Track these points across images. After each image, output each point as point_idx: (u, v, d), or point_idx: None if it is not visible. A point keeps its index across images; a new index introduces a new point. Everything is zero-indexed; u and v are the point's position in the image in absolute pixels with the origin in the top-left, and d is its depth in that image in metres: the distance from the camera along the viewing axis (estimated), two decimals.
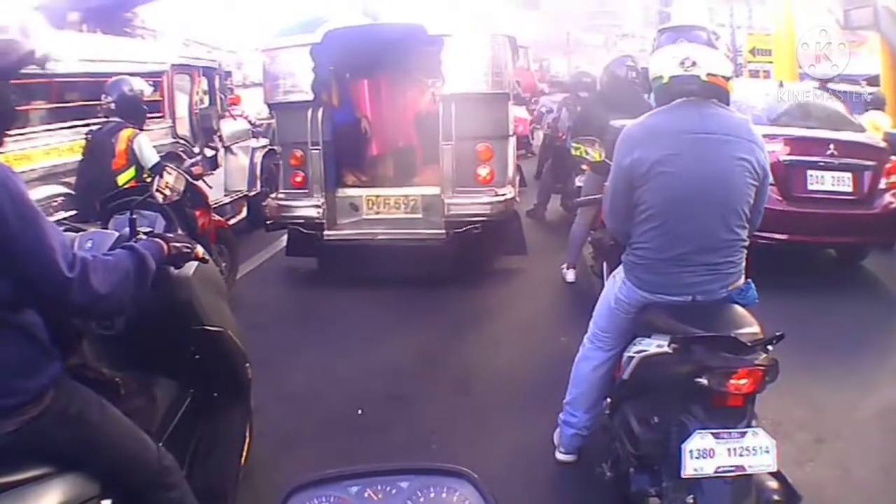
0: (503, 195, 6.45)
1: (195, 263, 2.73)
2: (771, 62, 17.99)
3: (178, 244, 2.53)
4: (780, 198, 6.53)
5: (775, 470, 2.67)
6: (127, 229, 2.78)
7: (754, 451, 2.61)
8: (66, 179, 5.52)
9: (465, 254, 6.75)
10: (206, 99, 8.67)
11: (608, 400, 3.53)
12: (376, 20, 6.35)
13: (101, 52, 6.60)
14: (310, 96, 6.57)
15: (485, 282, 6.93)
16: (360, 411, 4.34)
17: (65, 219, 5.11)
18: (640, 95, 6.44)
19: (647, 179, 3.02)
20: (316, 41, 6.40)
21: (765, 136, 4.33)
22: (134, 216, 2.86)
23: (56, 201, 5.50)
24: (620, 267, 3.34)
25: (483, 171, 6.40)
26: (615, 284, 3.35)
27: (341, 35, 6.40)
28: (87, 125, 5.73)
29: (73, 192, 5.50)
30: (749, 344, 2.67)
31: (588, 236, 6.24)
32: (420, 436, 4.16)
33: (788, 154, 6.65)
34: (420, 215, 6.59)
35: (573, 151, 4.37)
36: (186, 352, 2.89)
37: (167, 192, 3.73)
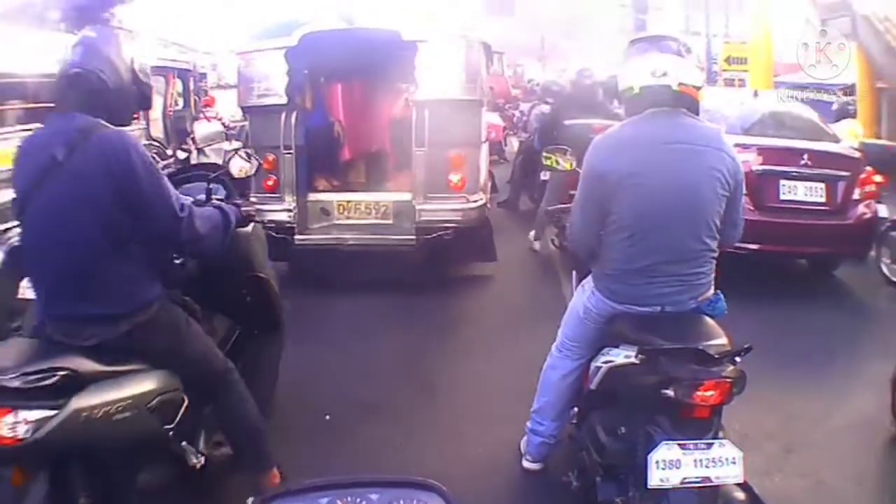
0: (475, 202, 6.47)
1: (252, 224, 3.54)
2: (746, 71, 18.17)
3: (245, 209, 3.28)
4: (752, 208, 6.49)
5: (742, 481, 2.68)
6: (203, 195, 3.35)
7: (721, 462, 2.61)
8: None
9: (435, 260, 6.75)
10: (181, 101, 8.58)
11: (575, 409, 3.55)
12: (352, 25, 6.33)
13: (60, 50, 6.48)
14: (284, 100, 6.51)
15: (455, 288, 6.94)
16: (326, 416, 4.31)
17: None
18: (596, 99, 8.36)
19: (618, 190, 3.00)
20: (292, 44, 6.35)
21: (737, 145, 4.58)
22: (211, 186, 3.43)
23: None
24: (589, 277, 3.35)
25: (455, 178, 6.39)
26: (584, 294, 3.35)
27: (317, 39, 6.35)
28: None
29: None
30: (716, 356, 2.67)
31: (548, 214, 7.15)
32: (386, 442, 4.15)
33: (761, 164, 6.69)
34: (391, 221, 6.56)
35: (545, 161, 4.40)
36: (239, 294, 3.62)
37: (241, 169, 3.91)
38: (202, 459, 3.05)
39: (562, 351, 3.51)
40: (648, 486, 2.63)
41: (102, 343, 2.67)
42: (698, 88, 3.11)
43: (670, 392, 2.66)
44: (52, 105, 5.66)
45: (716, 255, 3.10)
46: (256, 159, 3.85)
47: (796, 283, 7.33)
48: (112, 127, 2.69)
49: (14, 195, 2.74)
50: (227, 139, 9.61)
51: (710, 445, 2.63)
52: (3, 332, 4.92)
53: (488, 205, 6.84)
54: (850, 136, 8.41)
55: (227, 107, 10.90)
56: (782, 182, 6.73)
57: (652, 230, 2.99)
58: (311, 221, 6.65)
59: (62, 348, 2.62)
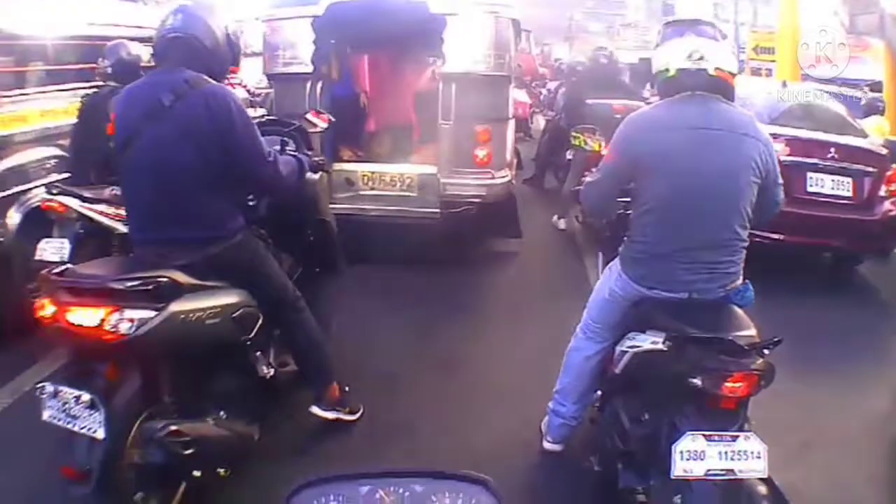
0: (500, 178, 6.36)
1: (320, 173, 4.02)
2: (773, 61, 17.81)
3: (315, 159, 3.88)
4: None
5: (766, 476, 2.62)
6: (278, 147, 3.68)
7: (746, 456, 2.57)
8: (61, 142, 5.38)
9: (459, 234, 6.68)
10: None
11: (599, 392, 3.53)
12: None
13: (101, 15, 6.43)
14: (309, 68, 6.44)
15: (478, 264, 6.86)
16: (346, 388, 4.20)
17: (58, 181, 5.02)
18: (613, 77, 8.97)
19: (649, 172, 2.99)
20: (318, 13, 6.23)
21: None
22: (286, 139, 3.89)
23: (49, 163, 5.35)
24: (617, 259, 3.30)
25: (481, 153, 6.28)
26: (611, 276, 3.31)
27: (344, 8, 6.22)
28: (84, 88, 5.58)
29: (66, 155, 5.38)
30: (746, 347, 2.63)
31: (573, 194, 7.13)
32: (404, 418, 4.10)
33: (789, 154, 6.56)
34: (415, 193, 6.44)
35: (573, 141, 4.41)
36: (304, 235, 4.04)
37: (315, 124, 4.26)
38: (272, 371, 3.52)
39: (586, 333, 3.48)
40: (672, 477, 2.59)
41: (191, 263, 3.02)
42: (734, 75, 3.07)
43: (698, 381, 2.62)
44: (85, 67, 5.70)
45: (746, 243, 3.05)
46: (329, 117, 4.18)
47: (819, 277, 7.17)
48: (213, 81, 3.11)
49: (118, 131, 3.13)
50: (251, 106, 9.51)
51: (735, 438, 2.58)
52: (21, 293, 4.95)
53: (513, 181, 6.71)
54: (876, 133, 8.23)
55: (252, 74, 10.82)
56: (809, 174, 6.65)
57: (682, 215, 2.96)
58: (335, 191, 6.53)
59: (159, 263, 2.96)
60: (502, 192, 6.42)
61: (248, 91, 9.68)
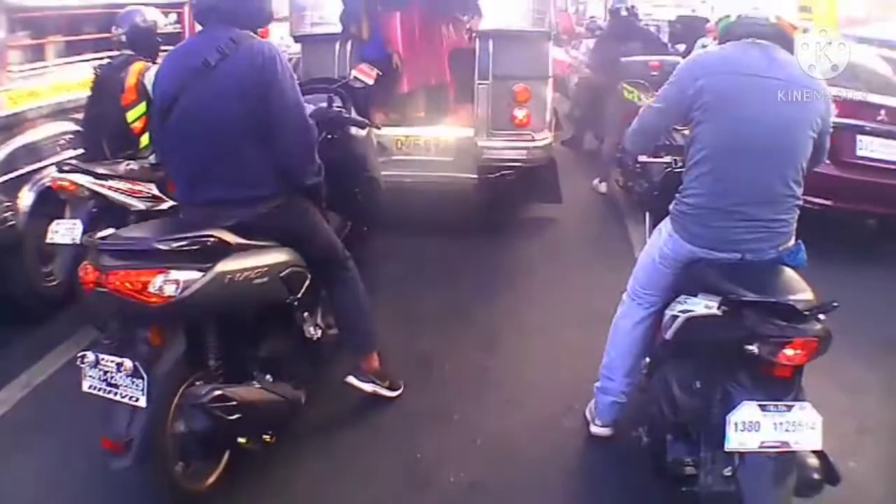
0: (541, 140, 6.11)
1: (368, 129, 4.04)
2: (811, 20, 17.23)
3: (360, 119, 3.97)
4: (827, 161, 6.13)
5: (820, 448, 2.56)
6: (324, 104, 3.80)
7: (801, 427, 2.50)
8: (76, 116, 5.22)
9: (496, 200, 6.50)
10: None
11: (647, 359, 3.40)
12: None
13: None
14: (338, 29, 6.23)
15: (516, 230, 6.68)
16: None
17: (73, 158, 4.88)
18: (638, 27, 8.85)
19: (707, 113, 2.88)
20: None
21: None
22: (332, 96, 3.87)
23: (64, 139, 5.19)
24: (667, 219, 3.18)
25: (520, 114, 6.02)
26: (660, 238, 3.19)
27: None
28: (98, 59, 5.39)
29: (81, 130, 5.21)
30: (804, 312, 2.51)
31: (613, 156, 7.09)
32: (441, 402, 3.97)
33: (838, 116, 6.16)
34: (451, 158, 6.23)
35: (626, 95, 4.22)
36: (352, 192, 3.96)
37: (361, 80, 4.22)
38: (319, 332, 3.54)
39: (633, 299, 3.36)
40: (726, 449, 2.52)
41: (239, 223, 3.01)
42: (795, 28, 2.97)
43: (754, 348, 2.52)
44: (99, 36, 5.51)
45: (800, 202, 2.95)
46: (378, 72, 4.13)
47: (865, 245, 6.82)
48: (257, 37, 3.10)
49: (160, 98, 3.10)
50: None
51: (790, 408, 2.51)
52: (36, 276, 4.84)
53: (554, 143, 6.47)
54: None
55: (279, 39, 10.64)
56: (859, 137, 6.30)
57: (736, 166, 2.86)
58: None
59: (207, 223, 2.91)
60: (543, 155, 6.18)
61: None
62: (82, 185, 4.45)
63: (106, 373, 2.68)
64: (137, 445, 2.67)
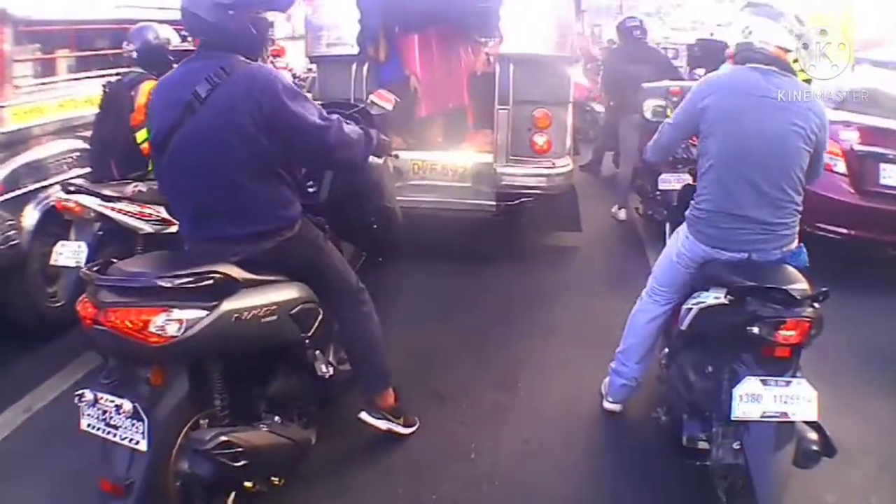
0: (561, 167, 5.94)
1: (385, 157, 3.78)
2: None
3: (383, 138, 3.49)
4: (851, 190, 6.08)
5: (816, 419, 2.87)
6: None
7: (798, 400, 2.83)
8: (84, 133, 5.11)
9: (514, 228, 6.35)
10: None
11: (666, 350, 3.75)
12: None
13: None
14: (355, 50, 6.12)
15: (535, 260, 6.49)
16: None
17: (80, 176, 4.79)
18: (648, 47, 8.58)
19: (713, 128, 3.32)
20: None
21: (839, 122, 5.34)
22: (348, 122, 3.39)
23: (71, 157, 5.10)
24: (683, 224, 3.55)
25: (540, 140, 5.87)
26: (678, 239, 3.57)
27: None
28: (108, 76, 5.28)
29: (89, 148, 5.09)
30: (798, 297, 2.88)
31: (631, 182, 7.64)
32: (459, 443, 3.80)
33: (861, 143, 6.12)
34: (469, 184, 6.08)
35: (651, 113, 4.68)
36: (367, 222, 3.78)
37: (379, 105, 3.99)
38: (331, 370, 3.35)
39: (651, 296, 3.75)
40: (731, 418, 2.87)
41: (247, 258, 2.86)
42: (786, 50, 3.33)
43: (755, 329, 2.89)
44: (109, 52, 5.41)
45: (800, 208, 3.32)
46: (393, 100, 3.95)
47: (886, 276, 6.49)
48: (251, 62, 2.91)
49: (154, 133, 2.94)
50: None
51: (788, 383, 2.86)
52: (40, 296, 4.70)
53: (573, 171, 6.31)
54: None
55: (298, 58, 10.60)
56: (883, 166, 6.12)
57: (739, 174, 3.26)
58: None
59: (212, 258, 2.77)
60: (563, 182, 6.01)
61: (294, 75, 9.40)
62: (88, 207, 4.35)
63: (105, 412, 2.55)
64: (138, 489, 2.52)
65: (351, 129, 3.13)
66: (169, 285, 2.56)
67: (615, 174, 9.03)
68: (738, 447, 2.92)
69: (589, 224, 6.82)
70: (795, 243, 3.37)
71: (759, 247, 3.29)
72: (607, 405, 4.03)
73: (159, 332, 2.51)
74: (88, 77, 5.59)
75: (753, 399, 2.83)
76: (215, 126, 2.80)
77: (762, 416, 2.83)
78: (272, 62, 9.55)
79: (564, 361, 4.69)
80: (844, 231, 6.00)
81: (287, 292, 3.02)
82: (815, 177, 3.42)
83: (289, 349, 3.14)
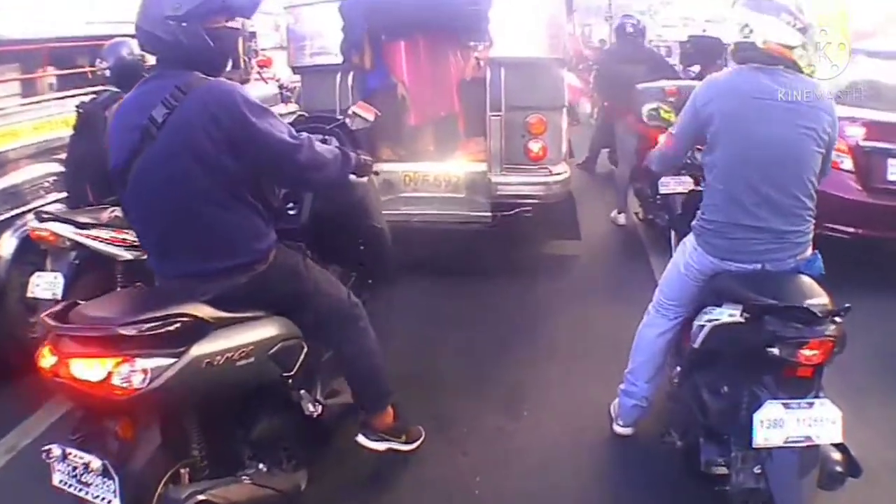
0: (558, 174, 5.71)
1: (368, 176, 3.51)
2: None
3: (364, 157, 3.22)
4: (858, 187, 5.87)
5: (840, 441, 2.75)
6: None
7: (822, 422, 2.70)
8: (61, 156, 4.92)
9: (511, 238, 6.11)
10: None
11: (678, 369, 3.56)
12: None
13: (101, 12, 5.91)
14: (339, 59, 5.86)
15: (534, 271, 6.24)
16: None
17: (58, 201, 4.65)
18: (644, 48, 8.35)
19: (719, 135, 3.10)
20: None
21: (844, 117, 4.82)
22: (326, 137, 3.31)
23: (48, 181, 4.92)
24: (690, 234, 3.37)
25: (535, 147, 5.63)
26: (685, 251, 3.39)
27: None
28: (83, 95, 5.07)
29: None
30: (819, 315, 2.72)
31: (629, 186, 7.38)
32: (460, 471, 3.60)
33: (867, 139, 5.90)
34: (463, 195, 5.84)
35: (663, 115, 4.41)
36: (354, 243, 3.61)
37: (361, 117, 3.79)
38: (319, 408, 3.13)
39: (659, 310, 3.56)
40: (753, 446, 2.73)
41: (220, 295, 2.66)
42: (790, 48, 3.09)
43: (776, 351, 2.74)
44: (84, 70, 5.19)
45: (814, 213, 3.14)
46: (375, 112, 3.73)
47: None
48: (211, 78, 2.63)
49: (112, 160, 2.69)
50: (282, 101, 9.05)
51: (811, 405, 2.72)
52: (21, 327, 4.47)
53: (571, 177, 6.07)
54: None
55: (286, 68, 10.36)
56: (890, 161, 5.90)
57: (748, 183, 3.06)
58: None
59: (182, 296, 2.57)
60: (561, 190, 5.78)
61: (281, 86, 9.18)
62: (62, 236, 4.18)
63: (75, 468, 2.35)
64: None
65: (324, 147, 2.93)
66: (132, 333, 2.34)
67: (611, 171, 8.85)
68: (759, 471, 2.80)
69: (588, 229, 6.61)
70: (810, 251, 3.19)
71: (772, 256, 3.11)
72: (618, 429, 3.83)
73: (123, 385, 2.31)
74: (65, 97, 5.39)
75: (776, 425, 2.69)
76: (174, 152, 2.57)
77: (785, 443, 2.70)
78: (259, 73, 9.31)
79: (569, 379, 4.47)
80: (852, 230, 5.79)
81: (265, 330, 2.78)
82: (824, 177, 3.23)
83: (271, 390, 2.93)
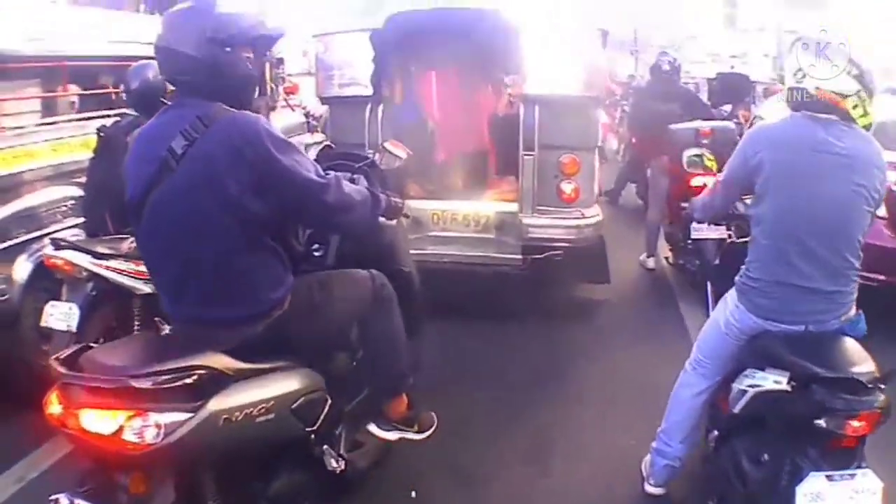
0: (591, 218, 5.55)
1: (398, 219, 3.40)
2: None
3: (394, 199, 3.08)
4: (891, 234, 5.62)
5: None
6: None
7: (863, 493, 2.64)
8: (81, 179, 4.81)
9: (538, 280, 5.91)
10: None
11: (715, 433, 3.40)
12: (448, 4, 5.48)
13: (126, 32, 5.82)
14: (368, 91, 5.74)
15: (563, 315, 6.02)
16: (412, 493, 3.56)
17: (76, 226, 4.54)
18: (679, 85, 8.12)
19: (768, 187, 2.96)
20: (377, 26, 5.54)
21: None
22: (354, 176, 3.22)
23: (66, 205, 4.81)
24: (732, 290, 3.22)
25: (568, 188, 5.49)
26: (726, 308, 3.24)
27: (408, 20, 5.56)
28: (108, 117, 4.97)
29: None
30: (868, 385, 2.66)
31: (660, 228, 7.29)
32: None
33: None
34: (493, 235, 5.69)
35: (706, 163, 4.66)
36: None
37: (393, 154, 3.59)
38: (342, 464, 2.98)
39: (696, 368, 3.40)
40: None
41: (240, 343, 2.50)
42: (845, 96, 2.89)
43: (823, 423, 2.66)
44: (107, 91, 5.09)
45: (858, 273, 3.01)
46: (406, 151, 3.56)
47: None
48: (232, 110, 2.48)
49: (129, 191, 2.54)
50: (309, 130, 9.00)
51: (853, 476, 2.66)
52: (34, 354, 4.34)
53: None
54: None
55: (313, 96, 10.32)
56: None
57: (797, 241, 2.93)
58: None
59: (199, 345, 2.42)
60: (593, 234, 5.61)
61: (308, 114, 9.09)
62: (78, 265, 4.04)
63: None
64: None
65: (353, 188, 2.78)
66: (146, 386, 2.21)
67: (637, 206, 8.89)
68: None
69: (616, 272, 6.34)
70: (854, 310, 3.06)
71: (817, 318, 2.98)
72: (649, 489, 3.64)
73: (136, 439, 2.18)
74: (86, 118, 5.29)
75: (818, 497, 2.63)
76: (193, 189, 2.42)
77: None
78: (286, 100, 9.26)
79: (599, 431, 4.27)
80: (882, 278, 5.48)
81: (287, 383, 2.63)
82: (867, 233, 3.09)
83: (292, 445, 2.77)
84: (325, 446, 2.94)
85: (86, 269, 4.04)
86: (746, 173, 3.05)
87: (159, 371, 2.25)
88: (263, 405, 2.46)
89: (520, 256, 5.56)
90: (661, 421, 3.53)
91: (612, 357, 5.30)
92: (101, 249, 4.12)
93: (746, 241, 3.24)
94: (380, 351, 3.16)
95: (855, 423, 2.63)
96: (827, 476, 2.63)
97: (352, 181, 3.10)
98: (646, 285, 7.03)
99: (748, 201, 3.29)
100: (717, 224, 4.64)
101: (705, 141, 6.32)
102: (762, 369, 2.97)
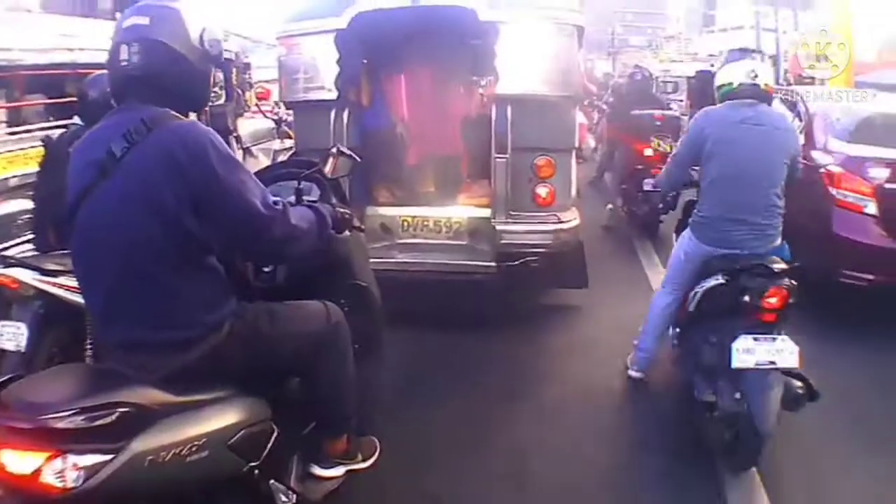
0: (567, 222, 5.34)
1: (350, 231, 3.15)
2: (826, 69, 16.82)
3: (342, 211, 2.91)
4: (883, 232, 5.57)
5: (799, 368, 3.59)
6: (293, 197, 2.98)
7: (783, 352, 3.54)
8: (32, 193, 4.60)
9: (515, 288, 5.71)
10: (222, 94, 7.60)
11: (677, 330, 4.56)
12: (416, 2, 5.22)
13: (81, 40, 5.56)
14: (333, 94, 5.46)
15: (537, 323, 5.83)
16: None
17: (28, 241, 4.37)
18: (651, 93, 10.72)
19: (714, 153, 4.09)
20: (341, 26, 5.27)
21: (869, 157, 5.81)
22: (301, 186, 3.06)
23: (19, 220, 4.61)
24: (687, 229, 4.35)
25: (543, 191, 5.27)
26: (684, 241, 4.36)
27: (374, 19, 5.26)
28: (60, 127, 4.72)
29: None
30: (776, 271, 3.69)
31: (619, 186, 9.46)
32: None
33: (889, 181, 5.60)
34: (465, 242, 5.47)
35: (650, 150, 7.36)
36: (337, 304, 3.06)
37: (336, 167, 3.40)
38: (293, 498, 2.83)
39: (664, 287, 4.54)
40: (732, 367, 3.56)
41: (171, 373, 2.32)
42: (773, 90, 4.31)
43: (746, 298, 3.67)
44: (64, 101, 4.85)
45: (783, 211, 4.08)
46: (355, 156, 3.40)
47: None
48: (181, 117, 2.36)
49: (67, 199, 2.35)
50: (279, 137, 8.78)
51: (774, 339, 3.57)
52: None
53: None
54: None
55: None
56: None
57: (734, 188, 4.05)
58: (370, 240, 5.42)
59: (125, 376, 2.27)
60: (570, 239, 5.41)
61: (281, 120, 8.85)
62: (25, 283, 3.85)
63: None
64: None
65: (300, 215, 2.56)
66: (63, 426, 2.04)
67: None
68: (738, 397, 3.61)
69: (596, 277, 6.11)
70: (779, 241, 4.14)
71: (751, 244, 4.04)
72: (632, 373, 4.79)
73: (57, 482, 2.04)
74: (39, 129, 5.04)
75: (748, 352, 3.54)
76: (128, 198, 2.23)
77: (756, 365, 3.54)
78: (257, 105, 9.01)
79: (577, 449, 4.10)
80: (872, 277, 5.50)
81: (223, 417, 2.41)
82: (794, 181, 4.17)
83: (234, 482, 2.53)
84: (271, 481, 2.70)
85: (33, 287, 3.85)
86: (698, 144, 4.15)
87: (80, 409, 2.07)
88: (194, 443, 2.27)
89: (493, 264, 5.35)
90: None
91: (588, 365, 5.15)
92: (49, 266, 3.93)
93: (693, 200, 4.44)
94: (325, 391, 2.91)
95: (770, 300, 3.59)
96: (754, 338, 3.56)
97: (299, 192, 3.00)
98: (626, 290, 6.68)
99: (698, 168, 4.27)
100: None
101: (658, 124, 8.75)
102: (708, 278, 4.06)
